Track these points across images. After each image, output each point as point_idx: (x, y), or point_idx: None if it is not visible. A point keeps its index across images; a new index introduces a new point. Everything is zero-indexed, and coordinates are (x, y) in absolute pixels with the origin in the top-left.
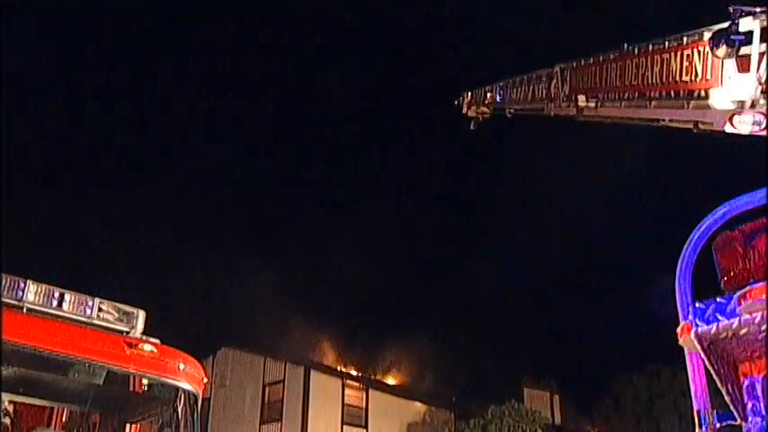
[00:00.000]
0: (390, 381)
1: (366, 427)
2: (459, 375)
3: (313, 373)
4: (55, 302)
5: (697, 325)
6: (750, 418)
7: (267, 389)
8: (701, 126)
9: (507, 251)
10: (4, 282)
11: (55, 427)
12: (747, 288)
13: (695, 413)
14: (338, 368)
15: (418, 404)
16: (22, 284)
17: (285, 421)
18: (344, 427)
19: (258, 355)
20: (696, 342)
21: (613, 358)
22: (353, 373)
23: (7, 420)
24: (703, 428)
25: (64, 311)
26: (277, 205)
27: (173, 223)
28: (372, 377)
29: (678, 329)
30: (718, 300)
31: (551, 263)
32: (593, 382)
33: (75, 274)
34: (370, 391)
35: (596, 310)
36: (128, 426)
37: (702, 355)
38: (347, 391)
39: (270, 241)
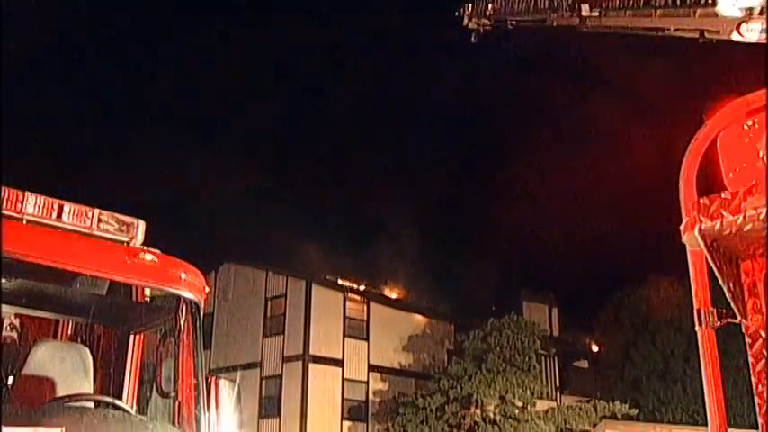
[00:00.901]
0: (391, 294)
1: (367, 339)
2: (460, 289)
3: (314, 287)
4: (54, 214)
5: (701, 221)
6: (750, 316)
7: (269, 303)
8: (706, 35)
9: (507, 167)
10: (3, 194)
11: (61, 340)
12: (753, 182)
13: (695, 312)
14: (339, 282)
15: (419, 317)
16: (20, 197)
17: (287, 334)
18: (346, 339)
19: (260, 270)
20: (699, 239)
21: (613, 271)
22: (354, 286)
23: (14, 334)
24: (703, 327)
25: (63, 223)
26: (280, 123)
27: (176, 138)
28: (373, 290)
29: (681, 227)
30: (722, 195)
31: (552, 176)
32: (592, 295)
33: (76, 185)
34: (371, 304)
35: (596, 221)
36: (131, 336)
37: (705, 252)
38: (348, 305)
39: (271, 157)
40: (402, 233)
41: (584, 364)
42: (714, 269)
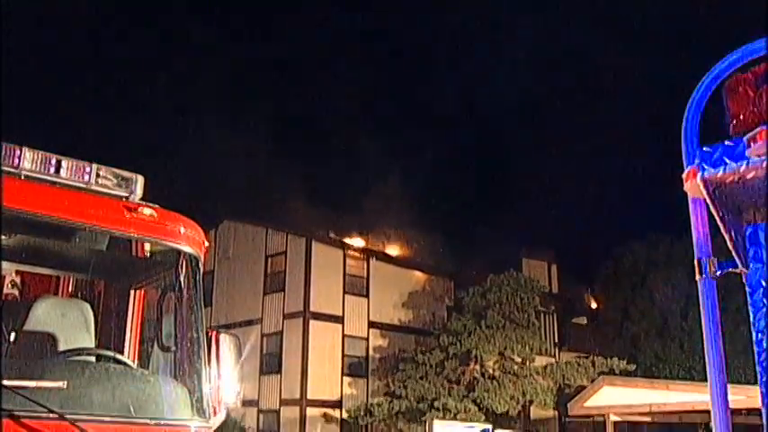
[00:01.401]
0: (391, 251)
1: (367, 296)
2: (460, 245)
3: (314, 244)
4: (52, 169)
5: (703, 169)
6: (751, 265)
7: (270, 260)
8: None
9: (509, 124)
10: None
11: (62, 296)
12: (757, 130)
13: (696, 261)
14: (339, 239)
15: (418, 273)
16: (18, 152)
17: (288, 291)
18: (346, 296)
19: (260, 227)
20: (702, 187)
21: (612, 228)
22: (355, 243)
23: (15, 290)
24: (703, 276)
25: (61, 178)
26: (284, 80)
27: (177, 95)
28: (373, 247)
29: (684, 175)
30: (726, 143)
31: (551, 129)
32: (591, 252)
33: (77, 140)
34: (372, 261)
35: (597, 177)
36: (132, 291)
37: (707, 200)
38: (348, 262)
39: (272, 115)
40: (403, 190)
41: (583, 320)
42: (716, 217)
